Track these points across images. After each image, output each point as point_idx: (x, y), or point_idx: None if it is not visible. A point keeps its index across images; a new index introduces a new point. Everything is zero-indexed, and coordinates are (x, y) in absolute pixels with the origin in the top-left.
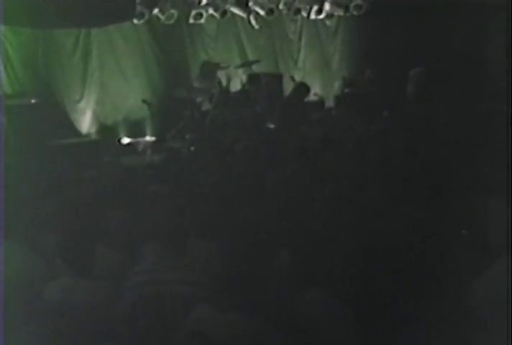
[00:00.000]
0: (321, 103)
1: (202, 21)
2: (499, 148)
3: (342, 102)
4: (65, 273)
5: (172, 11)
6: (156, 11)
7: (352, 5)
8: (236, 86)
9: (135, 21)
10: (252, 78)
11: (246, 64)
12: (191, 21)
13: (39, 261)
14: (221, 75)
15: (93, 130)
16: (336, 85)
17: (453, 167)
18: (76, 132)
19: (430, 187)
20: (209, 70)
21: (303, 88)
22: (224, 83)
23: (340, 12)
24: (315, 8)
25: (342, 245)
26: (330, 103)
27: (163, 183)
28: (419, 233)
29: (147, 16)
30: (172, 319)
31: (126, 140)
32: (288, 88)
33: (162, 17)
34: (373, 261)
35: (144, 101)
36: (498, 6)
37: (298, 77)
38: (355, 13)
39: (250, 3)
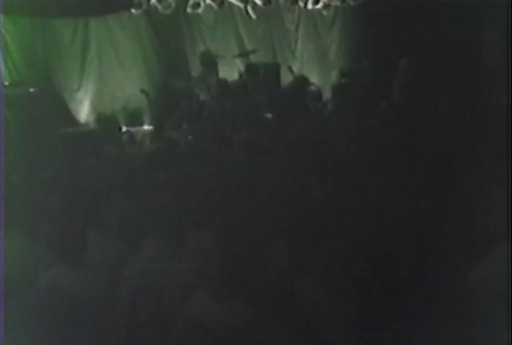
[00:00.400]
0: (318, 93)
1: (200, 10)
2: (499, 140)
3: (339, 92)
4: (63, 262)
5: (170, 0)
6: (154, 0)
7: None
8: (233, 76)
9: (133, 10)
10: (250, 68)
11: (243, 54)
12: (189, 10)
13: (39, 250)
14: (219, 65)
15: (91, 119)
16: (334, 75)
17: (452, 157)
18: (74, 121)
19: (428, 176)
20: (209, 59)
21: (302, 82)
22: (222, 73)
23: (337, 2)
24: None
25: (340, 234)
26: (327, 93)
27: (160, 172)
28: (418, 224)
29: (144, 6)
30: (171, 308)
31: (123, 129)
32: (286, 78)
33: (159, 7)
34: (370, 252)
35: (142, 91)
36: None
37: (295, 68)
38: (352, 3)
39: None
